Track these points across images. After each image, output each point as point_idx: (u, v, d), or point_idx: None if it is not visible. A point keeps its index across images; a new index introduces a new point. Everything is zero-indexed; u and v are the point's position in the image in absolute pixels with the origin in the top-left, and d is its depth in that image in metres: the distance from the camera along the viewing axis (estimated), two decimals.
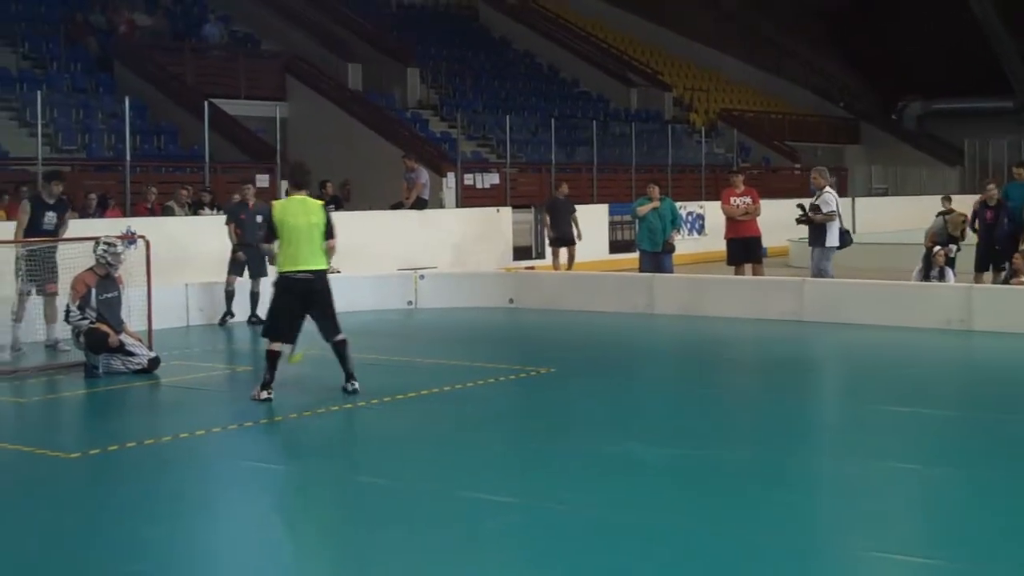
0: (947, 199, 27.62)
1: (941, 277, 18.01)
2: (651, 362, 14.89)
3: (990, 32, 47.42)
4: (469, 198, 26.70)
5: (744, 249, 18.80)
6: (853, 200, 36.72)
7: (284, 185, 22.82)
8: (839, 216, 17.75)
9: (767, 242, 19.30)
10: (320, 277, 11.41)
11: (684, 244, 22.93)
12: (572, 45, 42.75)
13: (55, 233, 14.56)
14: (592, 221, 26.67)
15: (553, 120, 30.48)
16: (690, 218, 28.65)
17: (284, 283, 11.34)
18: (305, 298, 11.36)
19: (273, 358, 11.28)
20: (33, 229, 14.44)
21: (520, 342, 16.65)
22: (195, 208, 20.63)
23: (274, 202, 11.49)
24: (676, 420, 10.92)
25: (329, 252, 11.50)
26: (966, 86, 48.21)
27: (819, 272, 17.57)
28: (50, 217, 14.55)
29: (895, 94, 52.26)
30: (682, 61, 47.67)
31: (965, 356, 15.08)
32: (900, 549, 7.00)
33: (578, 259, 23.57)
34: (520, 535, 7.33)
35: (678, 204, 20.81)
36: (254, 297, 16.99)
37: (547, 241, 24.05)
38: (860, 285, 17.80)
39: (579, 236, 23.29)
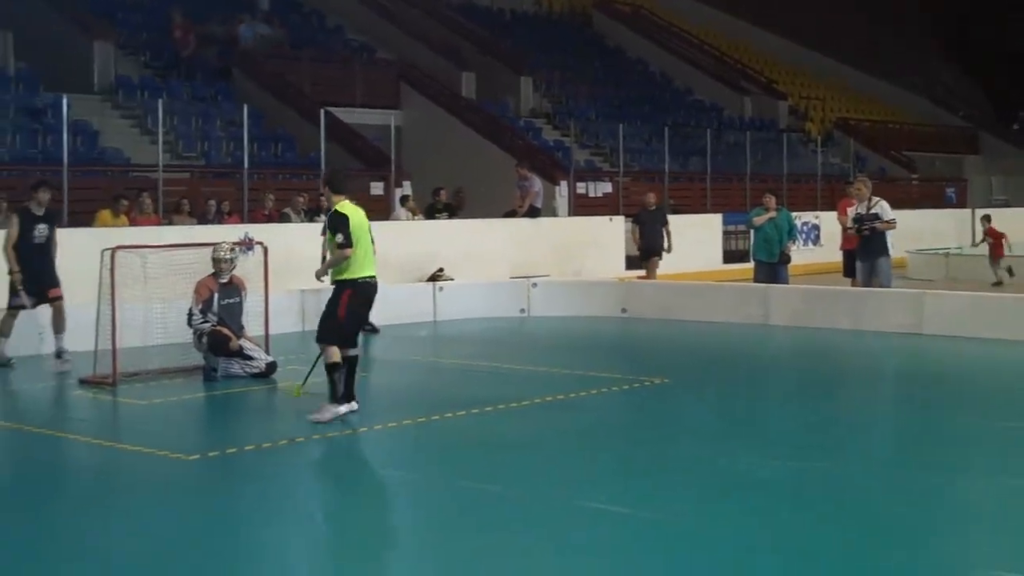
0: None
1: None
2: (766, 373, 14.72)
3: None
4: (582, 207, 26.66)
5: None
6: (973, 211, 36.03)
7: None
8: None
9: None
10: None
11: (799, 255, 22.60)
12: (685, 53, 42.55)
13: (46, 246, 14.17)
14: (706, 231, 26.52)
15: (666, 128, 30.34)
16: (805, 228, 28.31)
17: (364, 289, 11.03)
18: (370, 304, 11.31)
19: (352, 364, 10.92)
20: (24, 242, 14.05)
21: (633, 352, 16.58)
22: (311, 215, 20.85)
23: (342, 209, 10.90)
24: (789, 433, 10.78)
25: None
26: None
27: (887, 284, 17.27)
28: (40, 229, 14.12)
29: (1016, 103, 51.18)
30: (797, 69, 47.16)
31: None
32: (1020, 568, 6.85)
33: (691, 269, 23.29)
34: (625, 544, 7.28)
35: (793, 214, 20.57)
36: None
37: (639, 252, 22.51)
38: (981, 298, 17.44)
39: (669, 248, 21.76)
